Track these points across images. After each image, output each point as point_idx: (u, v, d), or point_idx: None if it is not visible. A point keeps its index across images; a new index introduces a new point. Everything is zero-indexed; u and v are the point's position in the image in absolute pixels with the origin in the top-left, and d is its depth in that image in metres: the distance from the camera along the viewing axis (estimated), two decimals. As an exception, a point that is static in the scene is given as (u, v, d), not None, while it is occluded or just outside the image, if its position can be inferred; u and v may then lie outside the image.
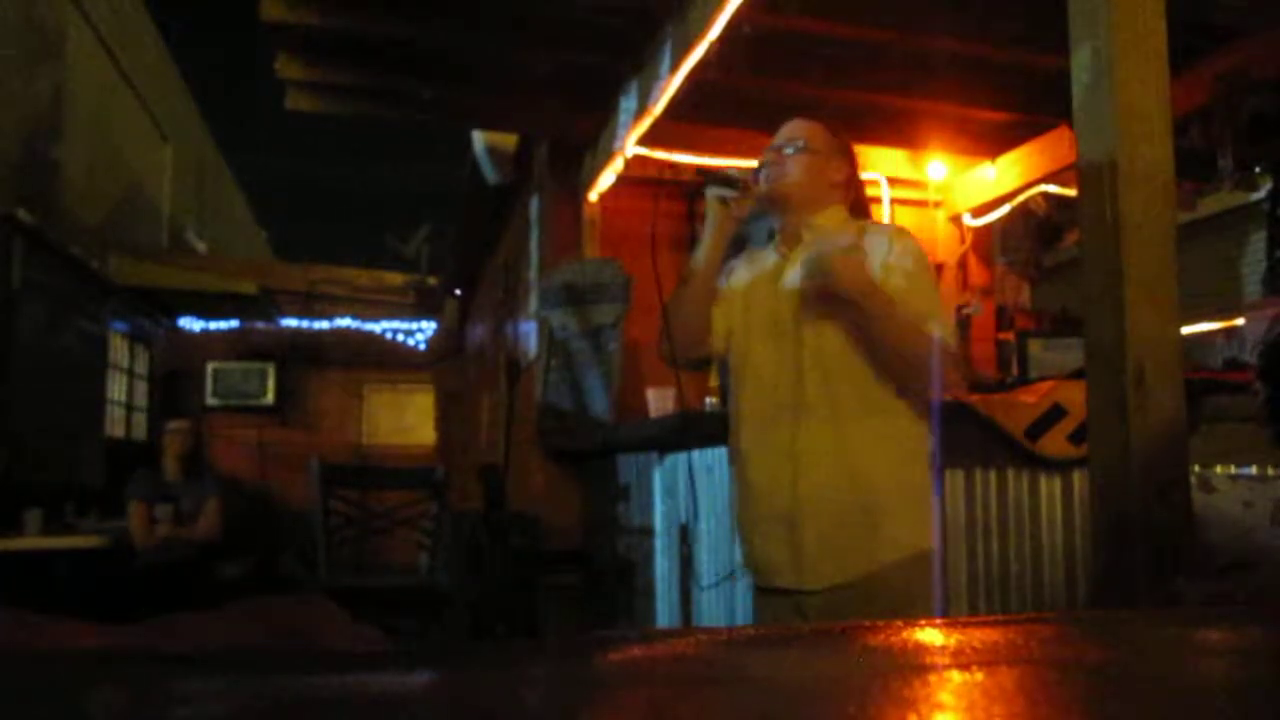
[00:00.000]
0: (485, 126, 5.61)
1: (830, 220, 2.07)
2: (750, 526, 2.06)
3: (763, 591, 2.07)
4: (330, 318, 9.33)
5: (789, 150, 2.07)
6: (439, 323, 9.69)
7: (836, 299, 1.89)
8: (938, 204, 5.40)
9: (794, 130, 2.11)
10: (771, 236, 2.31)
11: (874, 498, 1.90)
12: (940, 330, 1.90)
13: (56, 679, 0.58)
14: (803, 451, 1.94)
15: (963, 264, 5.42)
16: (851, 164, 2.14)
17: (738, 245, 3.38)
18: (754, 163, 2.15)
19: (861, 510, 1.90)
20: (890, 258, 1.93)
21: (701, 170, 2.19)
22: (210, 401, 9.03)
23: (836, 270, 1.87)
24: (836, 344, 1.94)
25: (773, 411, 1.99)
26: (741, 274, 2.17)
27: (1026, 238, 5.57)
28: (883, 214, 5.12)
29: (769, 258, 2.13)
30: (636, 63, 4.17)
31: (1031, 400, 2.87)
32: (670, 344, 2.15)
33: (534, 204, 5.65)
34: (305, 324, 9.26)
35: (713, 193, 2.07)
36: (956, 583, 2.75)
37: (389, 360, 9.59)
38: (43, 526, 5.04)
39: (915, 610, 1.89)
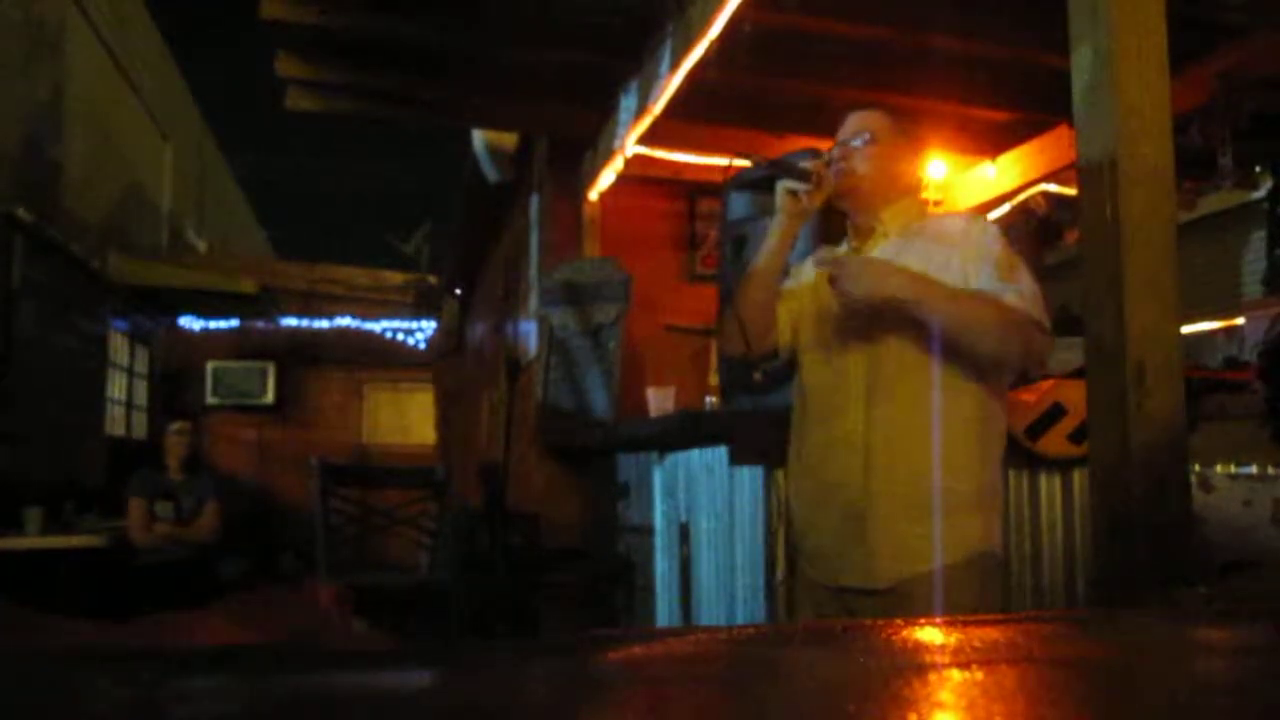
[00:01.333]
0: (485, 125, 5.61)
1: (903, 212, 2.04)
2: (815, 520, 2.02)
3: (817, 588, 2.02)
4: (330, 317, 9.33)
5: (857, 143, 2.04)
6: (439, 322, 9.69)
7: (888, 310, 1.86)
8: (938, 203, 5.40)
9: (861, 122, 2.08)
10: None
11: (945, 493, 1.86)
12: (1016, 299, 1.83)
13: (56, 679, 0.58)
14: (873, 446, 1.90)
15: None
16: (918, 151, 2.12)
17: (739, 245, 3.38)
18: (812, 158, 2.12)
19: (931, 506, 1.86)
20: (971, 246, 1.89)
21: (772, 162, 2.16)
22: (210, 401, 9.03)
23: (866, 285, 1.84)
24: (908, 337, 1.89)
25: (843, 405, 1.95)
26: (808, 271, 2.14)
27: (1027, 237, 5.57)
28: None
29: (840, 252, 2.11)
30: (636, 61, 4.17)
31: (1032, 399, 2.87)
32: (741, 338, 2.11)
33: (534, 203, 5.64)
34: (305, 323, 9.27)
35: (783, 185, 2.03)
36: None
37: (389, 359, 9.59)
38: (43, 525, 5.04)
39: (979, 610, 1.84)
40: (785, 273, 2.18)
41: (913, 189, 2.10)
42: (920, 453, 1.88)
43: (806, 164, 2.04)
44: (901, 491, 1.88)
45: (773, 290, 2.08)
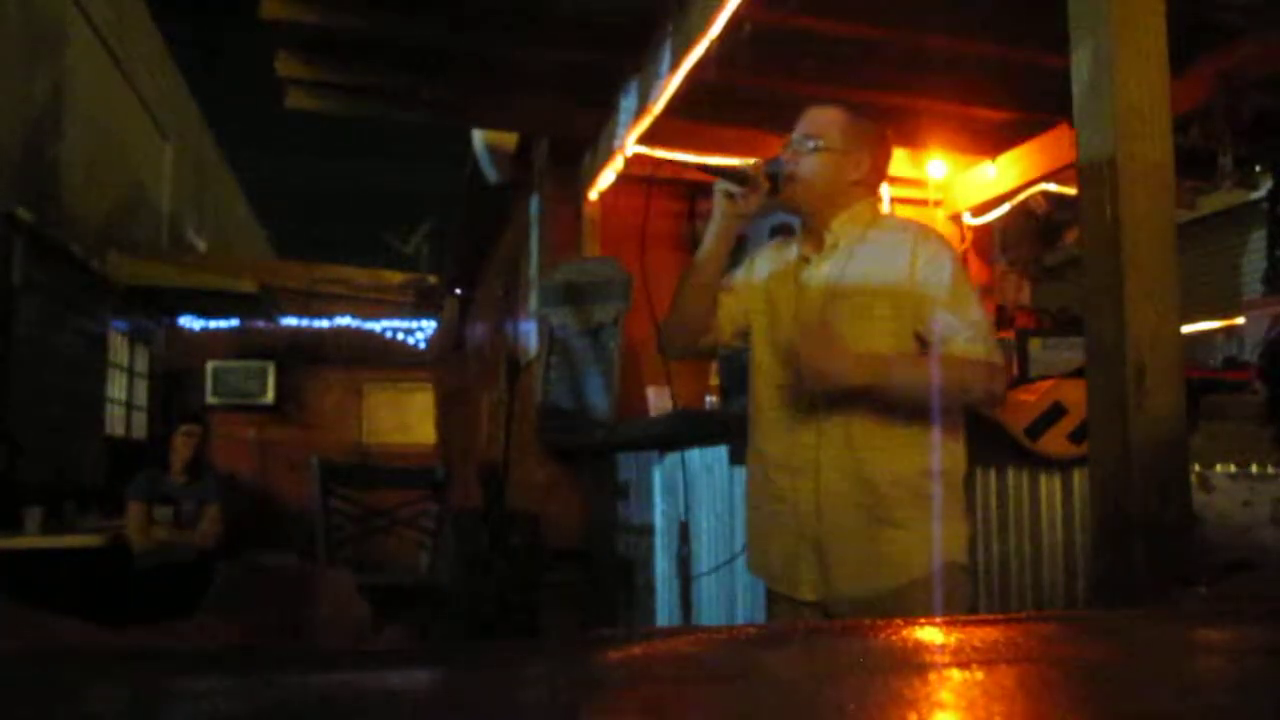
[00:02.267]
0: (485, 125, 5.61)
1: (854, 219, 1.98)
2: (767, 534, 1.99)
3: (779, 598, 2.00)
4: (330, 316, 9.33)
5: (808, 145, 1.98)
6: (439, 321, 9.69)
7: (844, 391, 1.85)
8: (938, 203, 5.40)
9: (810, 124, 2.02)
10: (773, 233, 2.27)
11: (896, 508, 1.84)
12: (984, 348, 1.84)
13: (57, 679, 0.58)
14: (824, 462, 1.87)
15: (963, 263, 5.42)
16: (873, 155, 2.02)
17: (739, 243, 3.38)
18: (752, 160, 2.10)
19: (881, 522, 1.84)
20: (920, 271, 1.86)
21: (710, 167, 2.12)
22: (210, 400, 9.03)
23: (820, 374, 1.83)
24: (863, 346, 1.87)
25: (793, 417, 1.93)
26: (763, 266, 2.10)
27: (1027, 236, 5.57)
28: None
29: (792, 254, 2.05)
30: (636, 61, 4.17)
31: (1031, 399, 2.87)
32: (664, 334, 2.11)
33: (534, 202, 5.65)
34: (305, 323, 9.27)
35: (721, 187, 1.99)
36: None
37: (389, 359, 9.59)
38: (42, 525, 5.03)
39: None
40: (735, 265, 2.14)
41: (866, 191, 2.02)
42: (867, 472, 1.85)
43: (747, 169, 1.98)
44: (851, 509, 1.85)
45: (710, 290, 2.05)
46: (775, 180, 1.97)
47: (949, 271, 1.88)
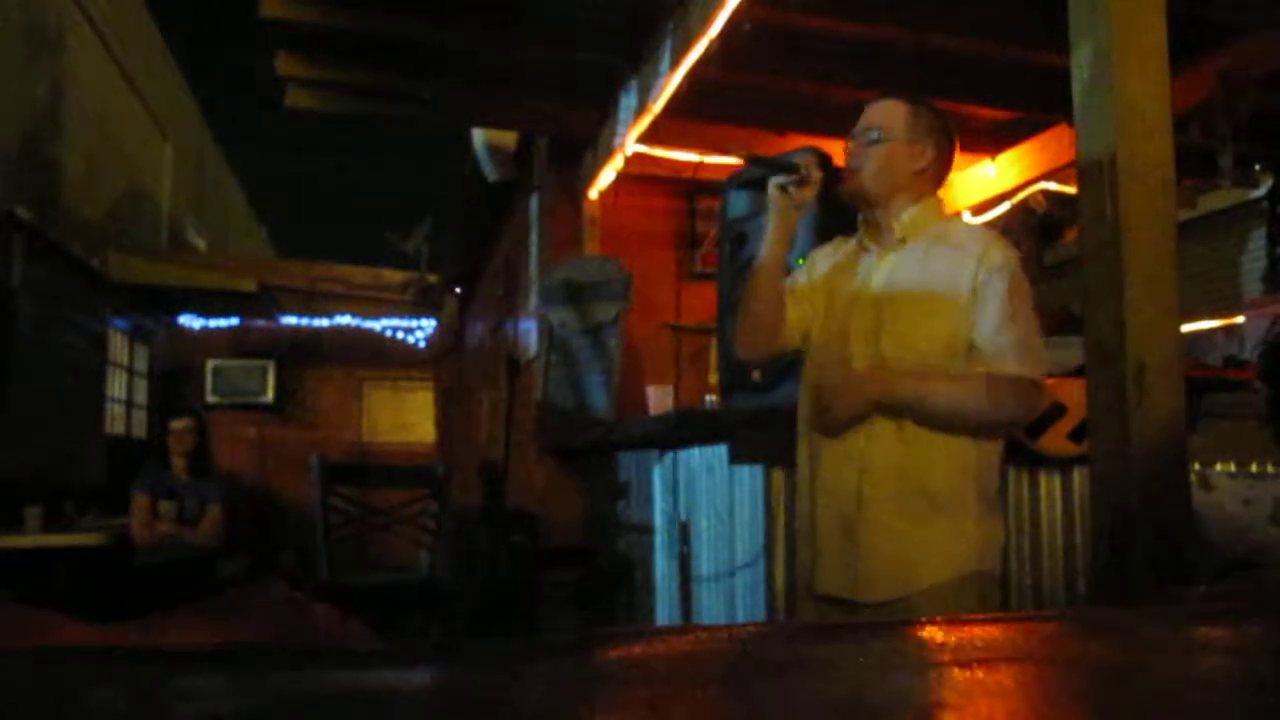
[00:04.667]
0: (485, 124, 5.61)
1: (923, 214, 1.96)
2: (810, 530, 1.99)
3: (816, 600, 1.98)
4: (330, 315, 9.33)
5: (873, 136, 1.97)
6: (439, 320, 9.68)
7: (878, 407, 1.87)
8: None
9: (873, 116, 2.01)
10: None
11: (939, 510, 1.84)
12: (1020, 366, 1.82)
13: (56, 679, 0.58)
14: (871, 459, 1.87)
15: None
16: (937, 145, 2.01)
17: (738, 243, 3.38)
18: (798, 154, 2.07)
19: (924, 523, 1.83)
20: (980, 275, 1.84)
21: (756, 159, 2.09)
22: (210, 399, 9.03)
23: (841, 408, 1.87)
24: (918, 353, 1.87)
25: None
26: (822, 267, 2.08)
27: (1026, 235, 5.58)
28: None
29: (851, 247, 2.04)
30: (637, 60, 4.17)
31: (1031, 398, 2.86)
32: (736, 341, 2.08)
33: (534, 201, 5.65)
34: (305, 322, 9.26)
35: (774, 181, 1.97)
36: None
37: (389, 358, 9.59)
38: (42, 524, 5.03)
39: None
40: (787, 270, 2.15)
41: (932, 183, 2.01)
42: (915, 474, 1.85)
43: (794, 158, 1.98)
44: (893, 509, 1.85)
45: (777, 287, 2.02)
46: (828, 171, 1.97)
47: (1004, 286, 1.84)
